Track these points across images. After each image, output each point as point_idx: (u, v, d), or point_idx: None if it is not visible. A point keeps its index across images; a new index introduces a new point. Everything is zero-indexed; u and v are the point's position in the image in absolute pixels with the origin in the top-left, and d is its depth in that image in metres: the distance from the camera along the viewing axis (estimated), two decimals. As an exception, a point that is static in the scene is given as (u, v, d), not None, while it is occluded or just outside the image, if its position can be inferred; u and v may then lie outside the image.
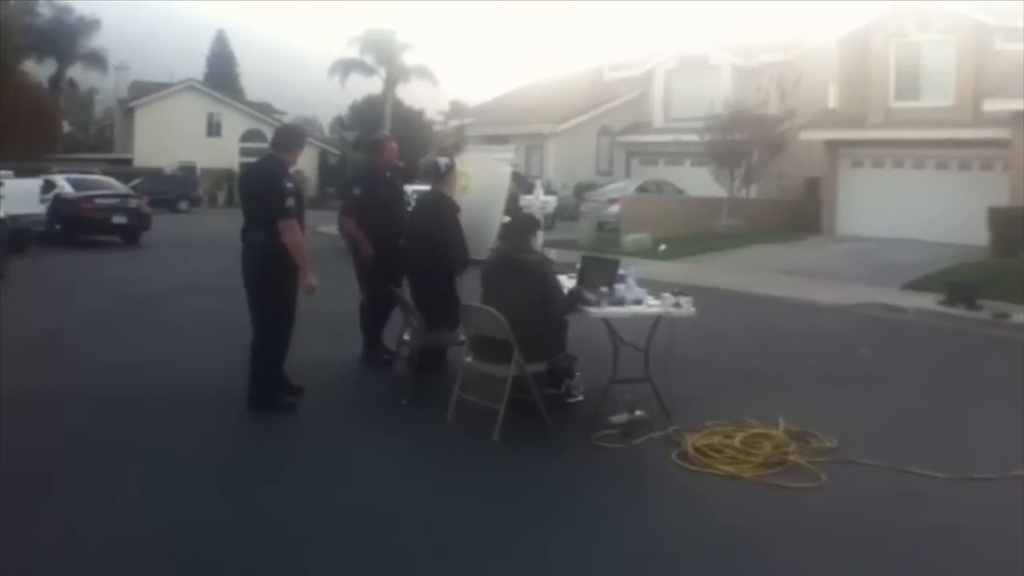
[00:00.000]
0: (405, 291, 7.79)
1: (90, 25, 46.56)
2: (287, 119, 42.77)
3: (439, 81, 45.00)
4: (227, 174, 40.77)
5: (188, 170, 42.20)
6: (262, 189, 6.52)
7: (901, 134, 22.57)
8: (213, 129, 46.86)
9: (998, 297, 13.28)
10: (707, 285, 14.03)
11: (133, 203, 22.22)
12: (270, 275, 6.46)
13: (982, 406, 7.64)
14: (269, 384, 6.63)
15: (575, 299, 6.49)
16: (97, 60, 47.07)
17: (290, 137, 6.97)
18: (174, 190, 37.69)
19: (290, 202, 6.43)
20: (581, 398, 6.93)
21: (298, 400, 6.77)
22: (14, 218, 16.59)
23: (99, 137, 52.73)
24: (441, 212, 7.76)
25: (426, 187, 8.70)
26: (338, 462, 5.74)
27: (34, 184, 21.28)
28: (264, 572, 4.22)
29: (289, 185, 6.50)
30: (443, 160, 8.11)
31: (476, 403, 6.41)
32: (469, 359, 6.62)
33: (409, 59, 44.47)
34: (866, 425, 6.74)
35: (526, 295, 6.31)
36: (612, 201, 24.86)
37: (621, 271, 6.87)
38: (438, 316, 7.31)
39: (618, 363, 6.61)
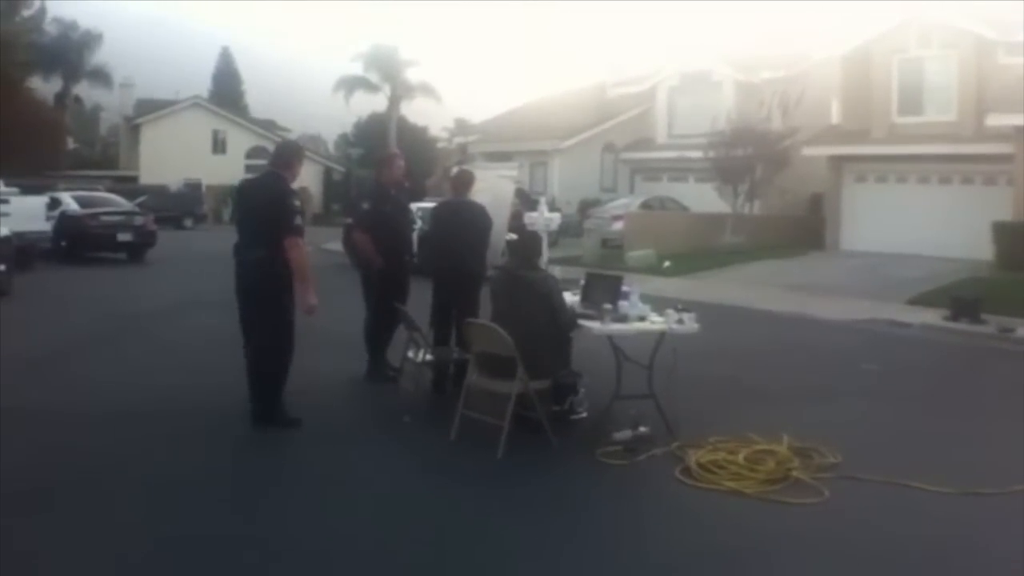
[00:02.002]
0: (409, 308, 7.81)
1: (95, 39, 46.80)
2: (292, 136, 42.93)
3: (443, 98, 45.40)
4: (232, 191, 40.76)
5: (193, 187, 42.33)
6: (269, 207, 6.52)
7: (904, 149, 22.56)
8: (218, 146, 47.05)
9: (1003, 312, 13.26)
10: (711, 301, 14.02)
11: (138, 220, 22.25)
12: (271, 291, 6.48)
13: (985, 421, 7.63)
14: (273, 399, 6.64)
15: (575, 316, 6.55)
16: (102, 76, 47.34)
17: (290, 152, 7.04)
18: (179, 207, 37.79)
19: (299, 220, 6.49)
20: (585, 414, 6.93)
21: (300, 419, 6.73)
22: (19, 235, 16.67)
23: (104, 154, 52.95)
24: (475, 214, 7.89)
25: (433, 204, 8.74)
26: (341, 478, 5.75)
27: (39, 201, 21.41)
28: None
29: (297, 203, 6.57)
30: (471, 169, 8.27)
31: (480, 420, 6.41)
32: (474, 376, 6.63)
33: (413, 76, 44.83)
34: (870, 440, 6.73)
35: (532, 312, 6.33)
36: (616, 218, 24.85)
37: (625, 288, 6.88)
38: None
39: (622, 379, 6.63)
